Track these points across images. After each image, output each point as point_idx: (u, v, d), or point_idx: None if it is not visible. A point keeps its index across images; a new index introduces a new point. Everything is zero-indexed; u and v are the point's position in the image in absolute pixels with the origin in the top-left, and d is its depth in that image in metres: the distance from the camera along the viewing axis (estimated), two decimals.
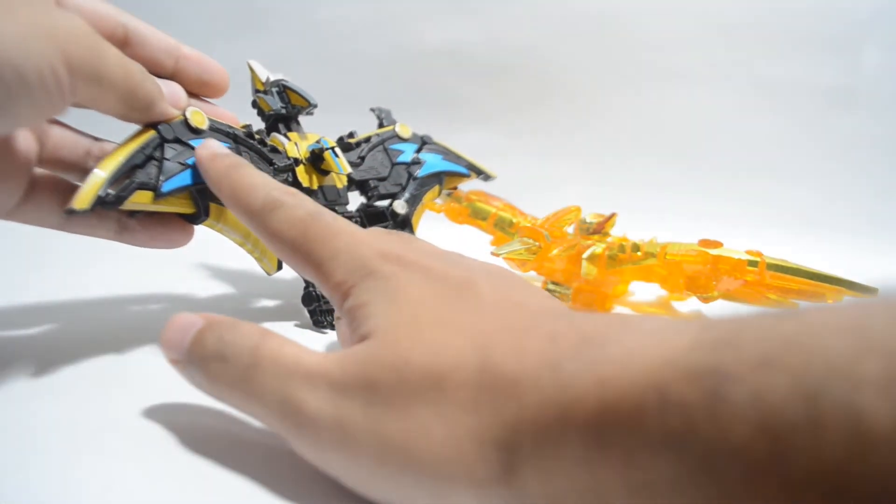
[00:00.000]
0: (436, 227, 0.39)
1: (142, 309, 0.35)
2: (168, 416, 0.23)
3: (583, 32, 0.69)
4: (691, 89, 0.71)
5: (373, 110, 0.41)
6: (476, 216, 0.42)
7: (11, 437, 0.21)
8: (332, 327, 0.33)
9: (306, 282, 0.33)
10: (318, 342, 0.32)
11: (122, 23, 0.27)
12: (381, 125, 0.40)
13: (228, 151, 0.28)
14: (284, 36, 0.72)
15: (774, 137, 0.69)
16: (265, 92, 0.35)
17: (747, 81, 0.70)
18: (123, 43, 0.27)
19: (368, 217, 0.37)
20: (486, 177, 0.42)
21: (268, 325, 0.33)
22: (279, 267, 0.33)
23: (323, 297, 0.34)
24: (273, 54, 0.73)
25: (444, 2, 0.72)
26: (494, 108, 0.72)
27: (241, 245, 0.32)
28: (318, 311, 0.33)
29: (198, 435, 0.22)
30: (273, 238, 0.23)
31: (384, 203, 0.38)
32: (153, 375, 0.27)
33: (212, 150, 0.28)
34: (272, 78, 0.36)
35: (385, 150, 0.38)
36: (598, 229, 0.38)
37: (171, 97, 0.28)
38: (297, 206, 0.23)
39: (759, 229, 0.52)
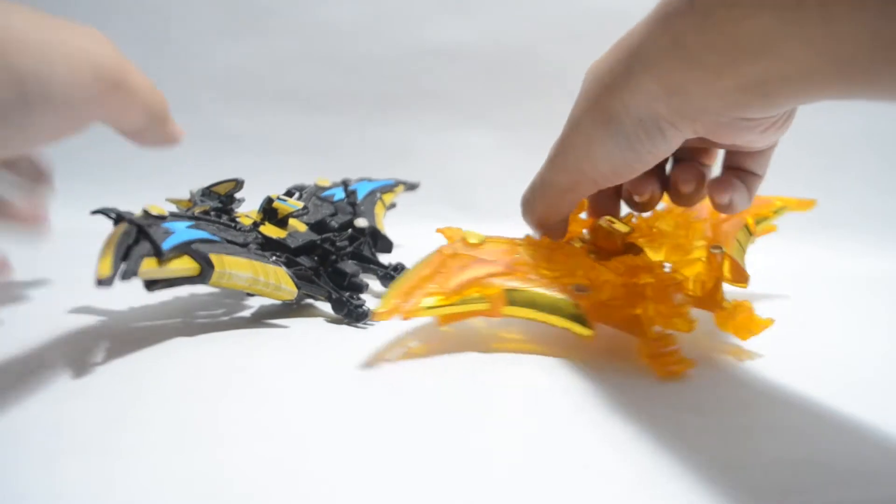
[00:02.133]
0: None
1: (159, 310, 0.35)
2: (169, 412, 0.23)
3: (583, 32, 0.69)
4: None
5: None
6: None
7: (10, 435, 0.21)
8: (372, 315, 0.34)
9: (328, 290, 0.35)
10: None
11: None
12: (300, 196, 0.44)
13: None
14: (284, 36, 0.72)
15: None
16: (196, 203, 0.37)
17: None
18: None
19: (351, 241, 0.40)
20: (412, 186, 0.50)
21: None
22: (298, 286, 0.34)
23: (352, 295, 0.35)
24: (273, 54, 0.73)
25: (444, 2, 0.72)
26: (494, 107, 0.72)
27: (253, 285, 0.32)
28: (354, 308, 0.34)
29: (196, 429, 0.22)
30: None
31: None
32: (153, 378, 0.27)
33: None
34: (192, 191, 0.38)
35: (319, 199, 0.43)
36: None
37: None
38: None
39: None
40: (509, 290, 0.31)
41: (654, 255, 0.35)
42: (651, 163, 0.29)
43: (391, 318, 0.29)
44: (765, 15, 0.21)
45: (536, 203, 0.33)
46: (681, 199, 0.33)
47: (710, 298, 0.32)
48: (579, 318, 0.31)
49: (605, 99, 0.28)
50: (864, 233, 0.58)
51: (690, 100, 0.25)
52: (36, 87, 0.21)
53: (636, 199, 0.34)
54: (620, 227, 0.33)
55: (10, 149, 0.23)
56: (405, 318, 0.29)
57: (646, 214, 0.36)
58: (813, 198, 0.44)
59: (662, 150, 0.28)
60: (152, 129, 0.27)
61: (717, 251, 0.32)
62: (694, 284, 0.33)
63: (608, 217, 0.34)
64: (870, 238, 0.58)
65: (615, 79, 0.27)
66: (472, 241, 0.33)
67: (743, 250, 0.35)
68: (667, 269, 0.34)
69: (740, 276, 0.33)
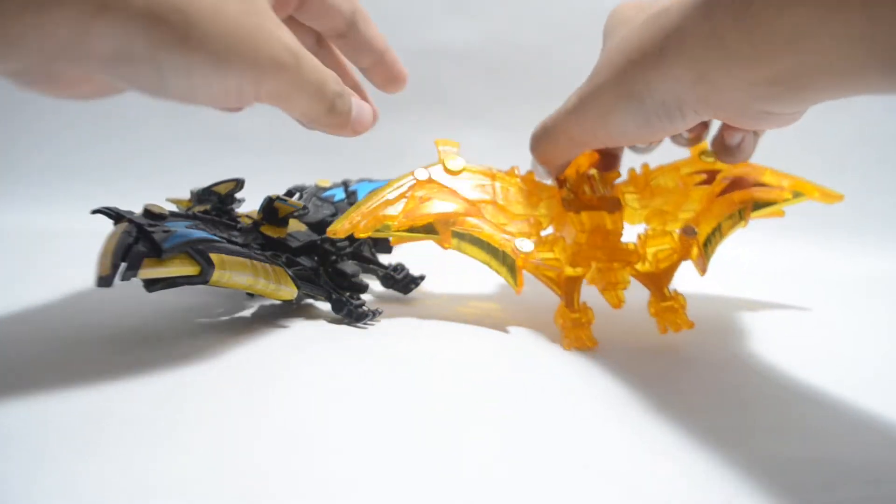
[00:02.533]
0: None
1: (158, 309, 0.35)
2: (170, 410, 0.23)
3: (584, 33, 0.69)
4: None
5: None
6: None
7: (10, 435, 0.21)
8: (374, 315, 0.35)
9: (328, 290, 0.35)
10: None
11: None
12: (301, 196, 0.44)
13: None
14: None
15: (774, 134, 0.69)
16: (195, 202, 0.38)
17: None
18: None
19: (351, 241, 0.40)
20: None
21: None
22: (298, 286, 0.34)
23: (352, 295, 0.36)
24: None
25: (446, 2, 0.72)
26: (494, 107, 0.72)
27: (252, 286, 0.32)
28: (355, 309, 0.35)
29: (197, 427, 0.22)
30: None
31: None
32: (152, 379, 0.27)
33: None
34: (193, 190, 0.38)
35: (319, 199, 0.43)
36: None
37: (358, 117, 0.30)
38: None
39: (759, 227, 0.52)
40: (457, 228, 0.33)
41: (637, 212, 0.36)
42: (663, 137, 0.30)
43: (346, 234, 0.33)
44: (804, 6, 0.21)
45: (545, 145, 0.34)
46: (681, 142, 0.34)
47: (659, 279, 0.32)
48: (513, 270, 0.32)
49: (631, 75, 0.28)
50: (864, 233, 0.58)
51: (719, 90, 0.25)
52: (221, 45, 0.21)
53: (638, 144, 0.35)
54: (599, 185, 0.34)
55: (182, 98, 0.23)
56: (358, 236, 0.33)
57: (653, 166, 0.37)
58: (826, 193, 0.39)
59: (678, 128, 0.28)
60: (319, 115, 0.27)
61: (689, 234, 0.32)
62: (652, 258, 0.33)
63: (594, 170, 0.35)
64: (870, 238, 0.58)
65: (645, 58, 0.27)
66: (453, 168, 0.34)
67: (722, 236, 0.34)
68: (633, 239, 0.35)
69: (702, 265, 0.32)
